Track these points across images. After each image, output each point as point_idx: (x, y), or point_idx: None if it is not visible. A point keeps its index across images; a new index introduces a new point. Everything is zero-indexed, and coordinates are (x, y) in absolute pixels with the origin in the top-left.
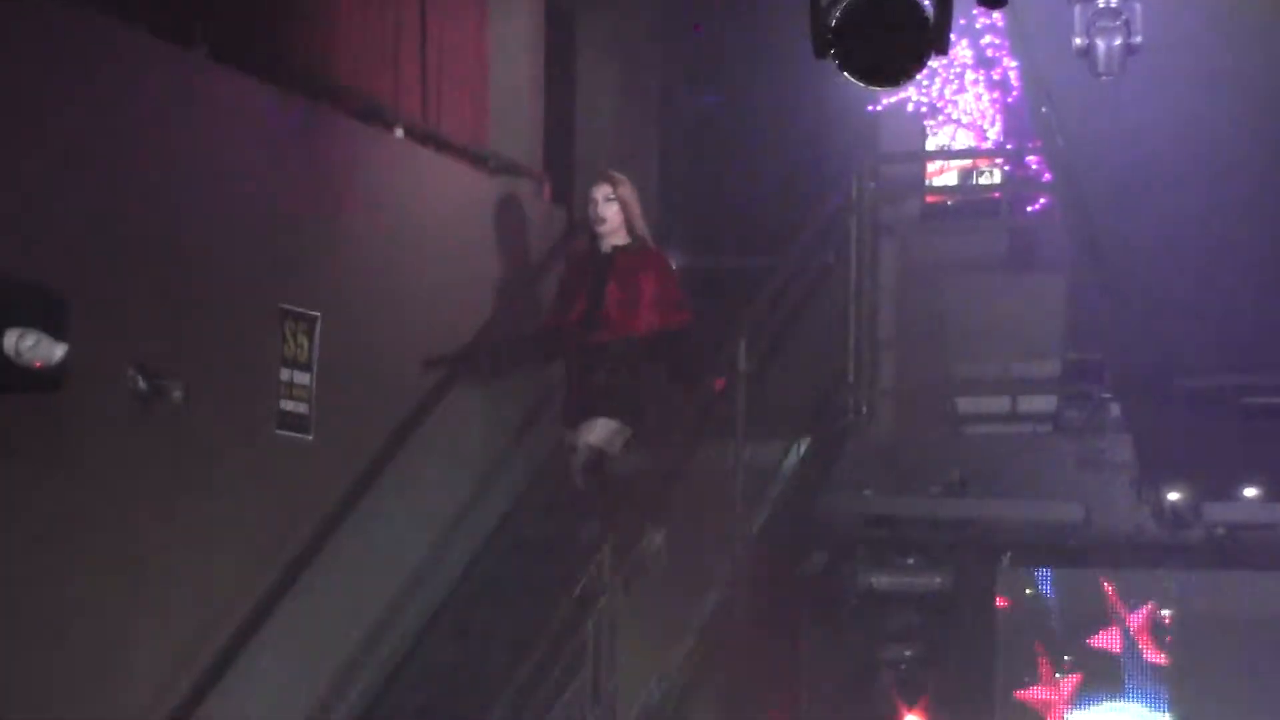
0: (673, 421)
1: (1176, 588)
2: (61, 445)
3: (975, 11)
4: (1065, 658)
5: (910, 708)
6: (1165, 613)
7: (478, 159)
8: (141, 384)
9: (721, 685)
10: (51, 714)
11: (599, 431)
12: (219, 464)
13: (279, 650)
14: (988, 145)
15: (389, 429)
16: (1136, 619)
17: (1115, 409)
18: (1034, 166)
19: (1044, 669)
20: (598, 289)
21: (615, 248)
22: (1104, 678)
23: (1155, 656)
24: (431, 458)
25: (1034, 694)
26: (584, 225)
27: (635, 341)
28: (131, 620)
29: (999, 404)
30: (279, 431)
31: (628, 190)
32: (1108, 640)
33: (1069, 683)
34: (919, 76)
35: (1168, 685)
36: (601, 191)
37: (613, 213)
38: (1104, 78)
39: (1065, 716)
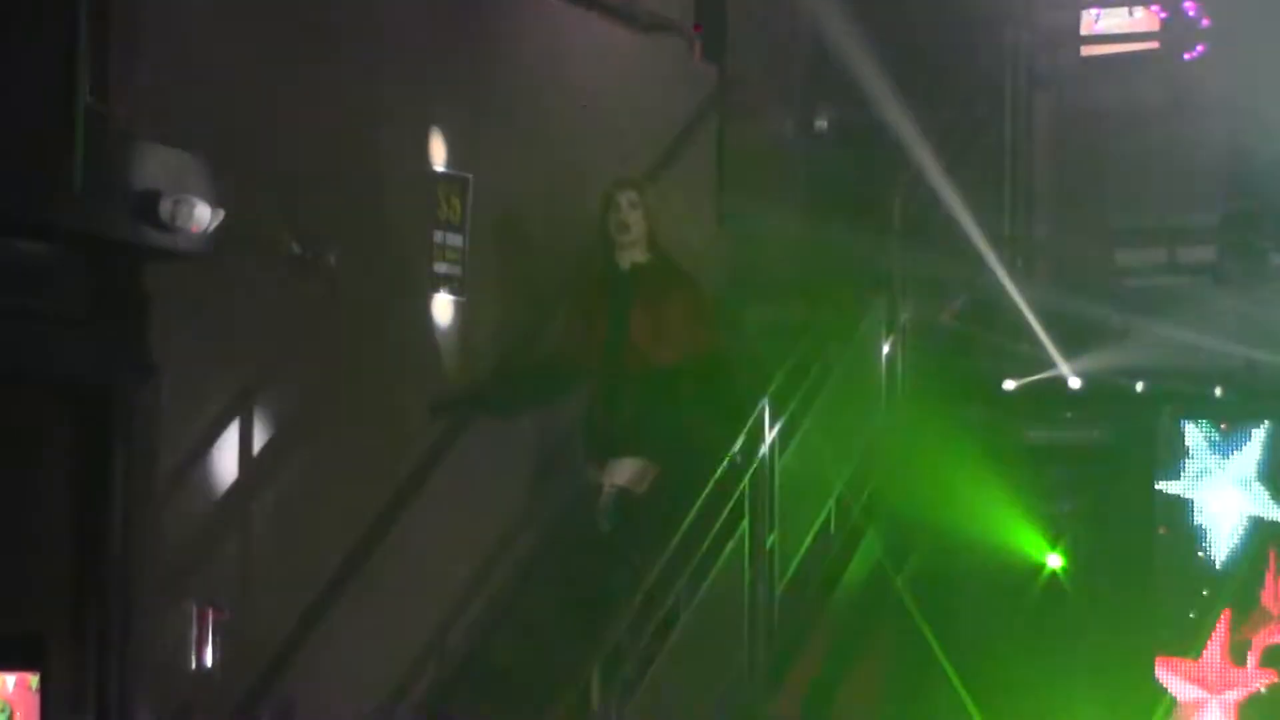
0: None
1: None
2: (219, 310)
3: None
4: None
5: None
6: None
7: (628, 16)
8: (297, 249)
9: (877, 539)
10: (214, 568)
11: (625, 472)
12: (375, 326)
13: (447, 499)
14: None
15: (541, 292)
16: None
17: (1275, 258)
18: (1192, 13)
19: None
20: (620, 314)
21: (635, 265)
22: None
23: None
24: None
25: None
26: (604, 234)
27: (663, 371)
28: (293, 486)
29: (1157, 255)
30: (433, 293)
31: (653, 197)
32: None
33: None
34: None
35: None
36: (626, 197)
37: (636, 220)
38: None
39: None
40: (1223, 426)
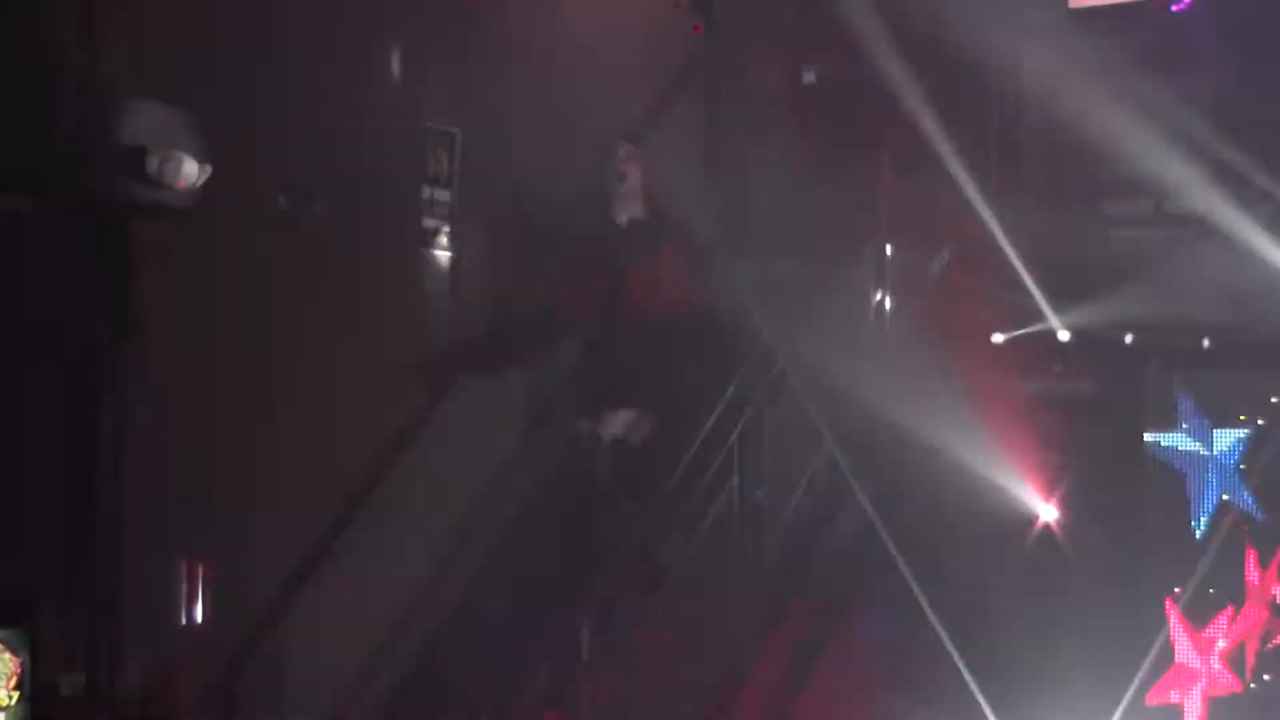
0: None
1: None
2: (207, 264)
3: None
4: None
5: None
6: None
7: None
8: (284, 203)
9: (864, 492)
10: (202, 524)
11: (619, 423)
12: (363, 281)
13: (439, 454)
14: None
15: (529, 245)
16: None
17: (1263, 209)
18: None
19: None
20: (616, 269)
21: (632, 220)
22: None
23: None
24: None
25: None
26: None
27: (657, 325)
28: (278, 438)
29: (1145, 206)
30: (421, 249)
31: (649, 150)
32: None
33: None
34: None
35: None
36: (625, 150)
37: (635, 172)
38: None
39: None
40: (1209, 419)
